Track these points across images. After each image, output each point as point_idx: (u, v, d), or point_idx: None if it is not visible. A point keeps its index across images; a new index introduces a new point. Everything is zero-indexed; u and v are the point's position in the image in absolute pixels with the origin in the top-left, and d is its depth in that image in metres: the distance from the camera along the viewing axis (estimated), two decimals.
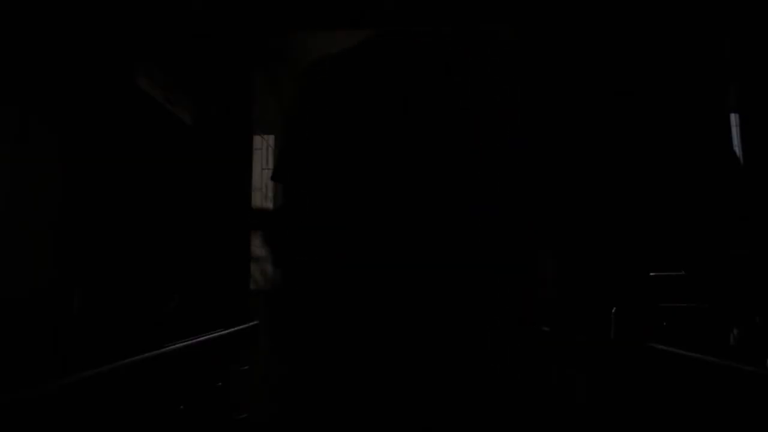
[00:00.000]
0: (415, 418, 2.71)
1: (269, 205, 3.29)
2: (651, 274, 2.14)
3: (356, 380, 1.55)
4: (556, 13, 2.83)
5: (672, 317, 1.82)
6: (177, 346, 1.72)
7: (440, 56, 1.34)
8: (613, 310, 1.88)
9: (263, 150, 3.20)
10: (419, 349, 2.78)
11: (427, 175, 1.37)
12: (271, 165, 3.37)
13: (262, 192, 3.15)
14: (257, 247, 3.03)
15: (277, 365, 1.52)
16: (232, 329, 2.37)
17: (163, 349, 1.62)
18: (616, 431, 1.74)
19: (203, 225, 2.84)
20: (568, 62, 2.80)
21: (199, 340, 1.92)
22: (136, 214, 2.30)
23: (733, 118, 2.09)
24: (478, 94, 1.36)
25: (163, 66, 2.51)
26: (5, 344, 1.50)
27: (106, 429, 1.29)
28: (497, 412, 2.88)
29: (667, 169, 2.40)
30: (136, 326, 2.07)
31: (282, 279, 1.52)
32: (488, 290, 3.58)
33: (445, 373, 2.75)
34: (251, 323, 2.69)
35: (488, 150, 1.36)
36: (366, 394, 1.78)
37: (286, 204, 1.42)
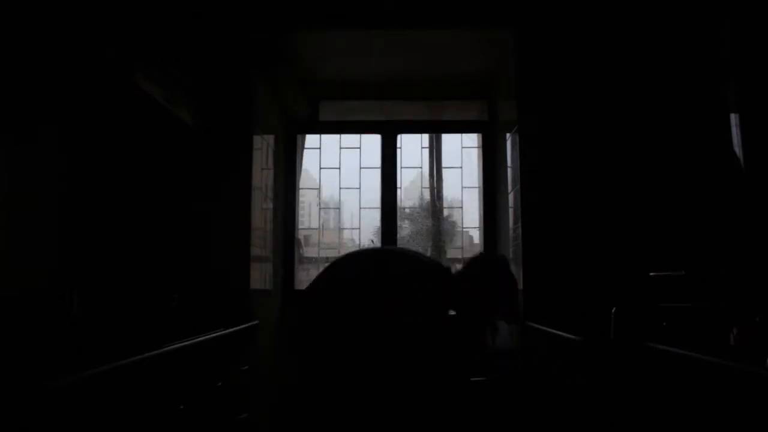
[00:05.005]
0: (408, 418, 2.71)
1: (269, 205, 3.30)
2: (651, 274, 2.13)
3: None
4: (555, 13, 2.83)
5: (672, 317, 1.82)
6: (177, 346, 1.72)
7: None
8: (613, 310, 1.88)
9: (263, 150, 3.20)
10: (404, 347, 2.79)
11: None
12: (271, 165, 3.37)
13: (262, 192, 3.16)
14: (257, 247, 3.04)
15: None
16: (232, 329, 2.37)
17: (163, 349, 1.62)
18: None
19: (203, 225, 2.84)
20: (566, 62, 2.80)
21: (199, 340, 1.92)
22: (136, 214, 2.30)
23: (733, 118, 2.08)
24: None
25: (163, 66, 2.51)
26: (5, 344, 1.50)
27: (107, 429, 1.29)
28: (496, 412, 2.88)
29: (667, 168, 2.40)
30: (136, 326, 2.08)
31: None
32: None
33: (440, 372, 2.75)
34: (251, 323, 2.70)
35: None
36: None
37: None
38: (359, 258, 2.37)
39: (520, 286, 2.80)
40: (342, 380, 2.03)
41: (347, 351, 2.00)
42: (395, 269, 2.15)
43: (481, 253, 2.93)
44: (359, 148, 3.84)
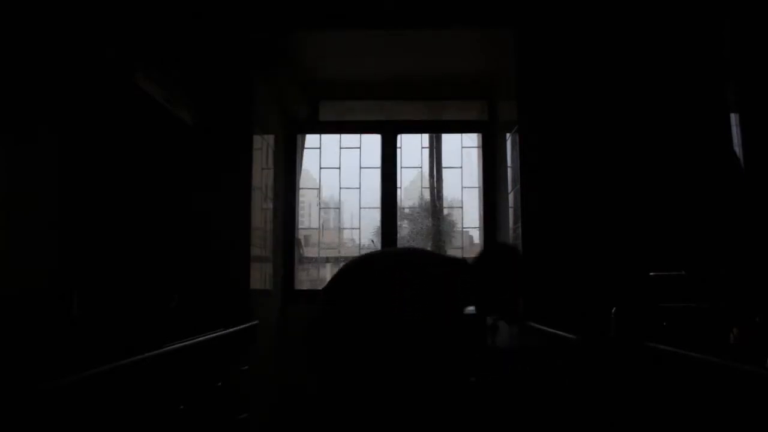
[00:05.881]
0: (411, 417, 2.71)
1: (269, 205, 3.30)
2: (651, 274, 2.13)
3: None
4: (555, 13, 2.83)
5: (672, 317, 1.82)
6: (177, 346, 1.72)
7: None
8: (613, 310, 1.88)
9: (263, 150, 3.20)
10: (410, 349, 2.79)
11: None
12: (271, 165, 3.37)
13: (262, 192, 3.16)
14: (257, 247, 3.04)
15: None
16: (232, 329, 2.37)
17: (163, 349, 1.62)
18: None
19: (203, 225, 2.84)
20: (566, 62, 2.80)
21: (199, 340, 1.92)
22: (136, 214, 2.30)
23: (733, 118, 2.09)
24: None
25: (163, 66, 2.51)
26: (5, 344, 1.50)
27: (107, 429, 1.29)
28: (496, 412, 2.88)
29: (666, 168, 2.40)
30: (136, 326, 2.08)
31: None
32: None
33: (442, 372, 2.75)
34: (251, 323, 2.70)
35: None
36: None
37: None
38: (375, 260, 2.41)
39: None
40: (356, 379, 2.08)
41: (365, 353, 2.07)
42: (415, 264, 2.20)
43: (493, 245, 2.98)
44: (359, 148, 3.84)
